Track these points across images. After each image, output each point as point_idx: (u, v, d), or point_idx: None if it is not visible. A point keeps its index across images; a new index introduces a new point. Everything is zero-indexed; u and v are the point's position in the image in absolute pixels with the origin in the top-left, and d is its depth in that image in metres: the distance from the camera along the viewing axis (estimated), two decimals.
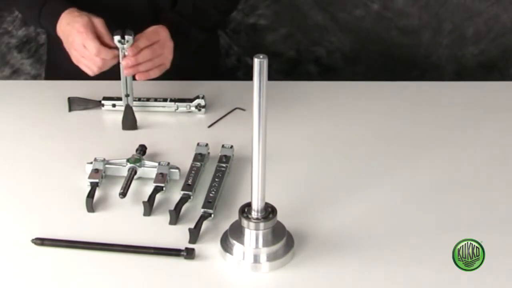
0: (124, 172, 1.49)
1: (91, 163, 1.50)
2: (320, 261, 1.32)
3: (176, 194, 1.45)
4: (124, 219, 1.41)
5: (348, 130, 1.67)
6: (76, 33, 1.58)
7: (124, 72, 1.60)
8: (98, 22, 1.60)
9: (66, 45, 1.63)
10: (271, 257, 1.30)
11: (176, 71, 1.67)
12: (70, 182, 1.50)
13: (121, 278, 1.29)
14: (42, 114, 1.71)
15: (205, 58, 1.92)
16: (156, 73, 1.62)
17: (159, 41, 1.61)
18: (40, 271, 1.30)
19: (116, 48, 1.58)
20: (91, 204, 1.42)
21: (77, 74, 1.65)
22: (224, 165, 1.51)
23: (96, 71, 1.60)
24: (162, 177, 1.47)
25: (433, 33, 2.41)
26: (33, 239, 1.34)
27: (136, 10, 1.77)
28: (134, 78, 1.63)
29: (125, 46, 1.57)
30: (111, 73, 1.68)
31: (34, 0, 1.70)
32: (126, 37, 1.57)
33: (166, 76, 1.66)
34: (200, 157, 1.53)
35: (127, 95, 1.65)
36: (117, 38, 1.57)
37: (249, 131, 1.23)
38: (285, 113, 1.71)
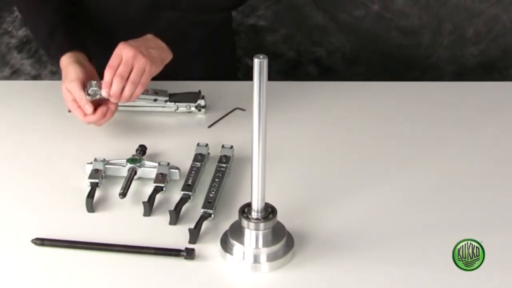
0: (124, 172, 1.49)
1: (91, 163, 1.50)
2: (320, 261, 1.32)
3: (176, 194, 1.45)
4: (124, 219, 1.41)
5: (348, 130, 1.67)
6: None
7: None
8: (72, 88, 1.58)
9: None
10: (271, 257, 1.30)
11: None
12: (70, 182, 1.50)
13: (121, 278, 1.29)
14: (42, 114, 1.70)
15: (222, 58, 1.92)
16: (144, 81, 1.58)
17: (121, 61, 1.56)
18: (40, 271, 1.30)
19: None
20: (91, 204, 1.42)
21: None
22: (224, 165, 1.51)
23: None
24: (162, 177, 1.47)
25: (433, 34, 2.41)
26: (33, 239, 1.34)
27: (135, 10, 1.76)
28: None
29: (96, 95, 1.56)
30: None
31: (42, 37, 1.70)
32: (90, 91, 1.56)
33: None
34: (200, 157, 1.53)
35: None
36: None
37: (249, 131, 1.23)
38: (285, 113, 1.71)
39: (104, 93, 1.56)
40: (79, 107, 1.57)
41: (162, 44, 1.62)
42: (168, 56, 1.63)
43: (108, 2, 1.75)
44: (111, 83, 1.55)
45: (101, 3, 1.74)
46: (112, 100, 1.57)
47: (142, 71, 1.57)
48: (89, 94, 1.56)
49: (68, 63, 1.61)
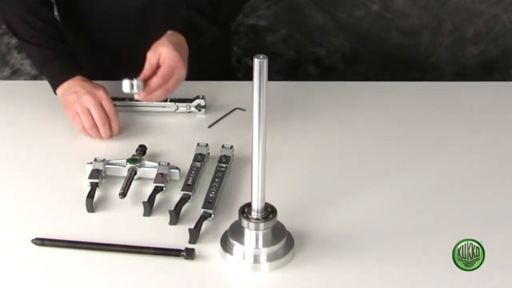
0: (124, 172, 1.49)
1: (91, 163, 1.50)
2: (320, 261, 1.32)
3: (176, 194, 1.45)
4: (124, 219, 1.41)
5: (348, 130, 1.67)
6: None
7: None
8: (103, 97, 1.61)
9: (70, 98, 1.63)
10: (271, 257, 1.30)
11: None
12: (70, 182, 1.50)
13: (121, 278, 1.29)
14: (42, 114, 1.70)
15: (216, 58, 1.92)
16: (175, 90, 1.60)
17: (172, 78, 1.57)
18: (40, 271, 1.30)
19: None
20: (91, 204, 1.42)
21: (93, 73, 1.66)
22: (224, 165, 1.51)
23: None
24: (162, 177, 1.47)
25: (433, 34, 2.41)
26: (33, 239, 1.34)
27: (134, 9, 1.76)
28: None
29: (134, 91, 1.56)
30: (111, 75, 1.69)
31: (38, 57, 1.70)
32: (135, 86, 1.54)
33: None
34: (200, 157, 1.53)
35: None
36: (126, 88, 1.55)
37: (249, 131, 1.23)
38: (285, 113, 1.71)
39: (138, 95, 1.55)
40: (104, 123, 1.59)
41: (186, 47, 1.62)
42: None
43: (103, 3, 1.75)
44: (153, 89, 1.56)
45: (96, 5, 1.74)
46: (140, 98, 1.56)
47: (180, 80, 1.58)
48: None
49: (85, 81, 1.63)
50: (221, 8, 1.72)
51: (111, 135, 1.62)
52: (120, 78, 1.56)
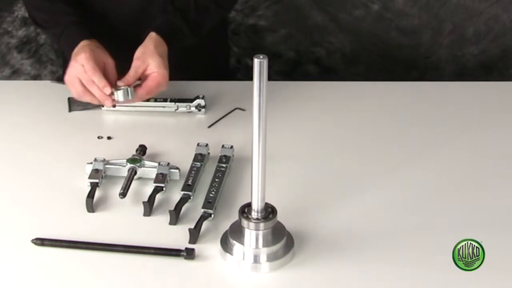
0: (124, 172, 1.49)
1: (91, 163, 1.50)
2: (320, 261, 1.32)
3: (176, 194, 1.45)
4: (124, 219, 1.41)
5: (348, 130, 1.68)
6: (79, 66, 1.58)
7: None
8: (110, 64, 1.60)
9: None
10: (271, 257, 1.30)
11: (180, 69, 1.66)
12: (70, 182, 1.50)
13: (121, 278, 1.29)
14: (42, 114, 1.70)
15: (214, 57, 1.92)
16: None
17: (154, 91, 1.60)
18: (40, 271, 1.30)
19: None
20: (91, 204, 1.42)
21: None
22: (224, 165, 1.51)
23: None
24: (162, 177, 1.47)
25: (433, 34, 2.41)
26: (33, 239, 1.34)
27: (129, 9, 1.76)
28: None
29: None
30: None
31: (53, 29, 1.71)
32: (129, 93, 1.57)
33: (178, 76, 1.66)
34: (200, 157, 1.53)
35: None
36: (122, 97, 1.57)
37: (249, 131, 1.23)
38: (285, 113, 1.71)
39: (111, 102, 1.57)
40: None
41: (166, 50, 1.63)
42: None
43: (101, 2, 1.75)
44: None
45: (95, 4, 1.74)
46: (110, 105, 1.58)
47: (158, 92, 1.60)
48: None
49: (82, 46, 1.61)
50: (204, 20, 1.72)
51: (104, 95, 1.57)
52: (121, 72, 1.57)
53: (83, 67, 1.56)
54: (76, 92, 1.59)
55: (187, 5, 1.70)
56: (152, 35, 1.63)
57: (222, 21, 1.93)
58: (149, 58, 1.58)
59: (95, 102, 1.59)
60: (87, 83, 1.56)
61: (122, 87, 1.56)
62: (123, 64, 1.60)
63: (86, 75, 1.56)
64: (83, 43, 1.62)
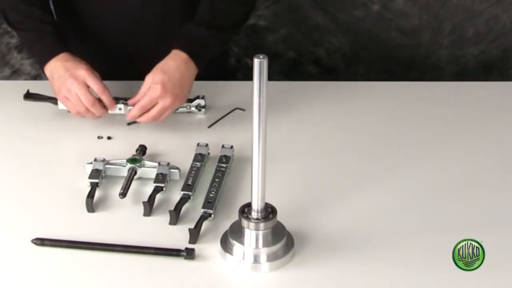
0: (124, 172, 1.49)
1: (91, 163, 1.50)
2: (320, 261, 1.32)
3: (176, 194, 1.45)
4: (124, 219, 1.41)
5: (348, 130, 1.68)
6: (73, 81, 1.58)
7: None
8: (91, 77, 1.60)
9: (56, 83, 1.62)
10: (271, 257, 1.30)
11: None
12: (70, 182, 1.50)
13: (121, 278, 1.29)
14: (42, 114, 1.70)
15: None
16: (164, 118, 1.62)
17: (154, 108, 1.59)
18: (40, 271, 1.30)
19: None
20: (91, 204, 1.42)
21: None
22: (224, 165, 1.51)
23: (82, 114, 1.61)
24: (162, 177, 1.47)
25: (433, 34, 2.41)
26: (33, 239, 1.34)
27: (148, 17, 1.75)
28: None
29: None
30: (111, 75, 1.69)
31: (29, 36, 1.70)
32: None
33: None
34: (200, 157, 1.53)
35: None
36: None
37: (249, 131, 1.23)
38: (285, 113, 1.71)
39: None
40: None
41: (190, 69, 1.62)
42: (191, 82, 1.64)
43: (120, 10, 1.74)
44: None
45: (92, 7, 1.73)
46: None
47: (165, 109, 1.58)
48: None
49: (68, 59, 1.61)
50: (225, 15, 1.70)
51: (106, 111, 1.61)
52: (118, 78, 1.56)
53: (85, 86, 1.57)
54: (77, 110, 1.59)
55: (205, 15, 1.68)
56: (172, 52, 1.62)
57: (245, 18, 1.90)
58: (149, 75, 1.59)
59: (92, 118, 1.61)
60: (88, 102, 1.58)
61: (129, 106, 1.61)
62: (127, 66, 1.60)
63: (90, 96, 1.57)
64: (62, 55, 1.62)
